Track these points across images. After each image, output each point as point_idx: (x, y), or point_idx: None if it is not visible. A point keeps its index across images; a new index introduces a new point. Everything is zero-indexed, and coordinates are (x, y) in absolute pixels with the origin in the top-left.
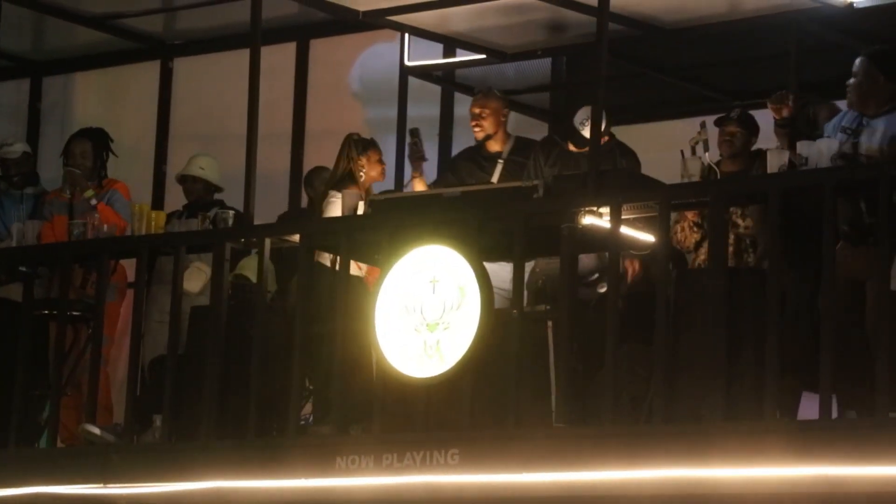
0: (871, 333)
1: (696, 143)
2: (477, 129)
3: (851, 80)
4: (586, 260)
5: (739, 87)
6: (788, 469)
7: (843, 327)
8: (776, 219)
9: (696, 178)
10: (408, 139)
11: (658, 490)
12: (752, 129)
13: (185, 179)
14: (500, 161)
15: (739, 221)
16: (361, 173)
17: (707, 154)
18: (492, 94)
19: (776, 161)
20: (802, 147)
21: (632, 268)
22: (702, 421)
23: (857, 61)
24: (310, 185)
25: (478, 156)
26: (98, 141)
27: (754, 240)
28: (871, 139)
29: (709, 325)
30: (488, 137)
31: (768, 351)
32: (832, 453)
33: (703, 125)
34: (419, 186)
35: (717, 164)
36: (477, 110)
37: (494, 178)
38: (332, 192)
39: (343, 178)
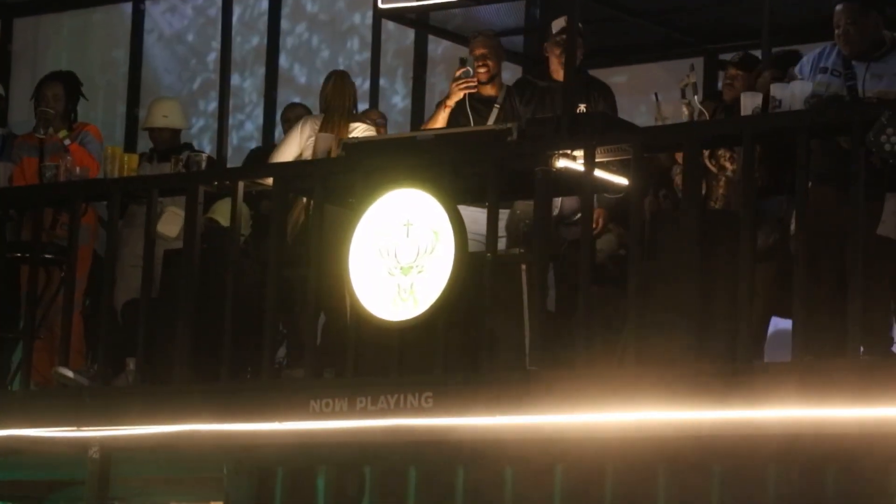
0: (849, 275)
1: (686, 85)
2: (483, 70)
3: (840, 29)
4: (569, 201)
5: (713, 30)
6: (760, 411)
7: (817, 272)
8: (750, 161)
9: (670, 121)
10: (463, 66)
11: (631, 432)
12: (755, 70)
13: (150, 129)
14: (497, 105)
15: (728, 165)
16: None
17: (696, 97)
18: (491, 35)
19: (750, 103)
20: (776, 89)
21: (600, 218)
22: (674, 363)
23: (839, 7)
24: (286, 120)
25: (473, 100)
26: (69, 84)
27: None
28: (879, 82)
29: (682, 265)
30: (492, 79)
31: (741, 292)
32: (802, 395)
33: (692, 68)
34: (443, 114)
35: (715, 107)
36: (483, 51)
37: (490, 123)
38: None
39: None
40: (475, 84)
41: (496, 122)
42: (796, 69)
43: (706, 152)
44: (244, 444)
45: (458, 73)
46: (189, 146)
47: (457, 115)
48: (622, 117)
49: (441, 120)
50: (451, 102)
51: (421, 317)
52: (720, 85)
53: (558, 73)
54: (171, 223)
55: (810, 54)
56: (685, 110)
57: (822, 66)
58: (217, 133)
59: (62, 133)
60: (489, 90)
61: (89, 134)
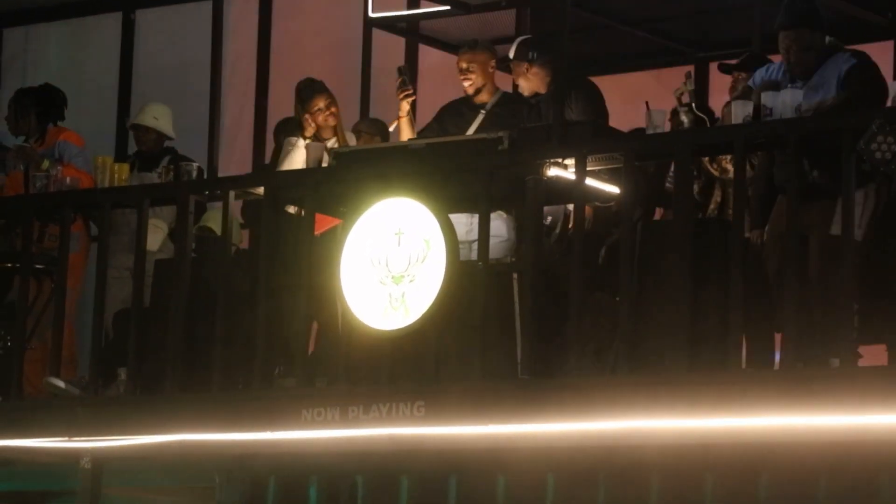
0: (815, 282)
1: (682, 93)
2: (468, 83)
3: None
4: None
5: (703, 39)
6: (751, 419)
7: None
8: (742, 169)
9: (661, 130)
10: (400, 76)
11: (622, 440)
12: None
13: (136, 128)
14: (483, 112)
15: (729, 167)
16: (306, 124)
17: (693, 104)
18: (478, 47)
19: (741, 112)
20: (767, 98)
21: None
22: (666, 372)
23: (782, 34)
24: (282, 133)
25: (463, 106)
26: (23, 97)
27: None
28: (816, 94)
29: (673, 275)
30: (479, 90)
31: (731, 301)
32: (792, 402)
33: (688, 75)
34: (406, 128)
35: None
36: (465, 65)
37: (472, 128)
38: (288, 140)
39: (298, 129)
40: (412, 92)
41: (479, 126)
42: (749, 83)
43: (706, 157)
44: (236, 453)
45: (397, 84)
46: (173, 150)
47: (444, 121)
48: (613, 125)
49: (406, 132)
50: (403, 114)
51: (412, 326)
52: (728, 90)
53: (531, 89)
54: (151, 235)
55: (760, 71)
56: (684, 118)
57: (771, 80)
58: (208, 141)
59: (45, 164)
60: (481, 97)
61: (67, 143)
